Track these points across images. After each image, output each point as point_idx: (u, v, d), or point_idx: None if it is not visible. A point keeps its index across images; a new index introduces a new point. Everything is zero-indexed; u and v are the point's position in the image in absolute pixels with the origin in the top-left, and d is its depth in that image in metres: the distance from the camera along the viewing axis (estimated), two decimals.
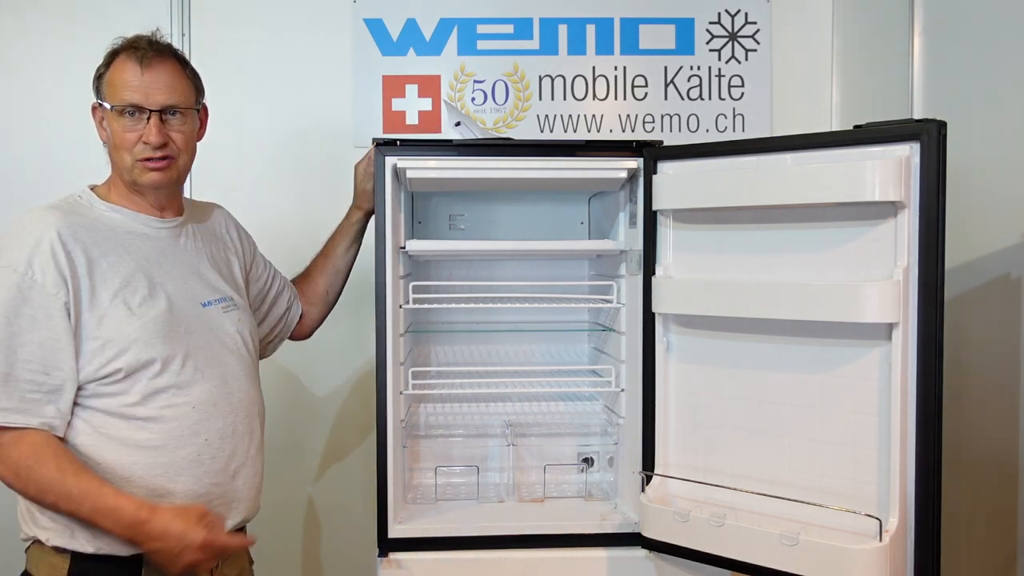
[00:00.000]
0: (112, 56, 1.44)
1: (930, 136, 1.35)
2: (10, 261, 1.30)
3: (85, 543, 1.33)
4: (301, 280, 1.86)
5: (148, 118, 1.40)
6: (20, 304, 1.29)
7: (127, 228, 1.44)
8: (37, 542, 1.37)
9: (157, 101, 1.41)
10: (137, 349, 1.35)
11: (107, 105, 1.42)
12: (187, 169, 1.51)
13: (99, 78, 1.45)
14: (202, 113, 1.55)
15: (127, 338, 1.34)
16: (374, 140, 1.73)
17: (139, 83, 1.40)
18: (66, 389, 1.32)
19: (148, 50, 1.42)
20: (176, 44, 2.24)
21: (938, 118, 1.37)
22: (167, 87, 1.42)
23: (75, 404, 1.35)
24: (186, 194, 1.64)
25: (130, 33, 1.48)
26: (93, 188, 1.49)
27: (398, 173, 1.74)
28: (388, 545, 1.73)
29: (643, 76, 2.35)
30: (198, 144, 1.56)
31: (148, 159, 1.42)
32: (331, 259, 1.83)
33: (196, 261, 1.52)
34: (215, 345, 1.46)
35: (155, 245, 1.46)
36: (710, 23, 2.36)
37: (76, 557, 1.33)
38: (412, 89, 2.32)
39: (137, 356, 1.35)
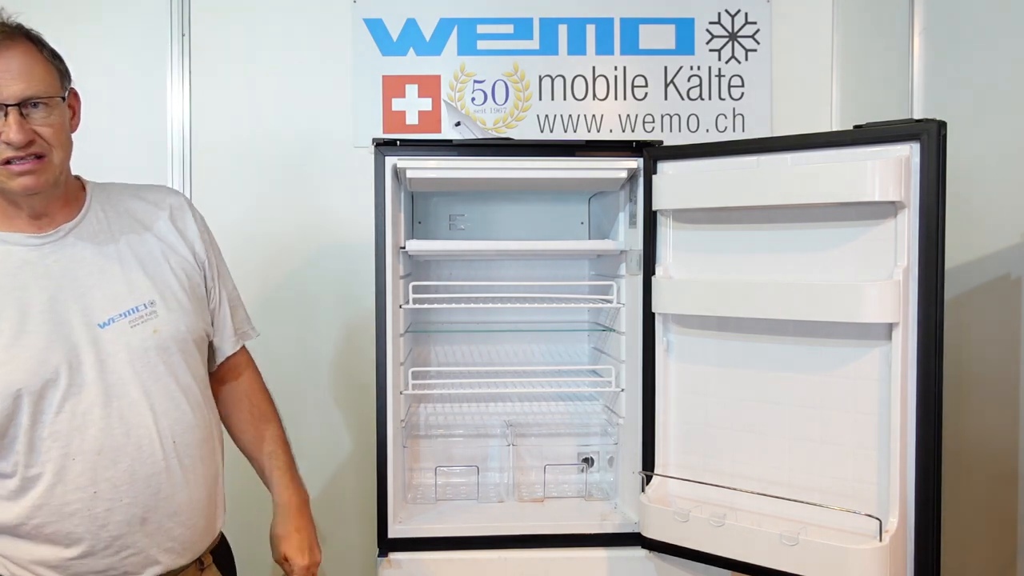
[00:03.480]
0: None
1: (930, 136, 1.36)
2: None
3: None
4: (245, 420, 1.56)
5: (6, 114, 1.18)
6: None
7: None
8: None
9: (13, 93, 1.18)
10: (5, 401, 1.18)
11: None
12: (64, 166, 1.28)
13: None
14: (72, 99, 1.31)
15: None
16: (374, 140, 1.74)
17: None
18: None
19: None
20: (176, 44, 2.26)
21: (938, 118, 1.37)
22: (22, 75, 1.19)
23: None
24: (184, 192, 1.60)
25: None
26: None
27: (398, 173, 1.74)
28: (388, 545, 1.73)
29: (643, 76, 2.35)
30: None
31: (10, 160, 1.20)
32: (253, 456, 1.55)
33: (97, 268, 1.29)
34: (110, 377, 1.25)
35: (33, 268, 1.24)
36: (710, 23, 2.36)
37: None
38: (412, 89, 2.32)
39: (5, 409, 1.18)
